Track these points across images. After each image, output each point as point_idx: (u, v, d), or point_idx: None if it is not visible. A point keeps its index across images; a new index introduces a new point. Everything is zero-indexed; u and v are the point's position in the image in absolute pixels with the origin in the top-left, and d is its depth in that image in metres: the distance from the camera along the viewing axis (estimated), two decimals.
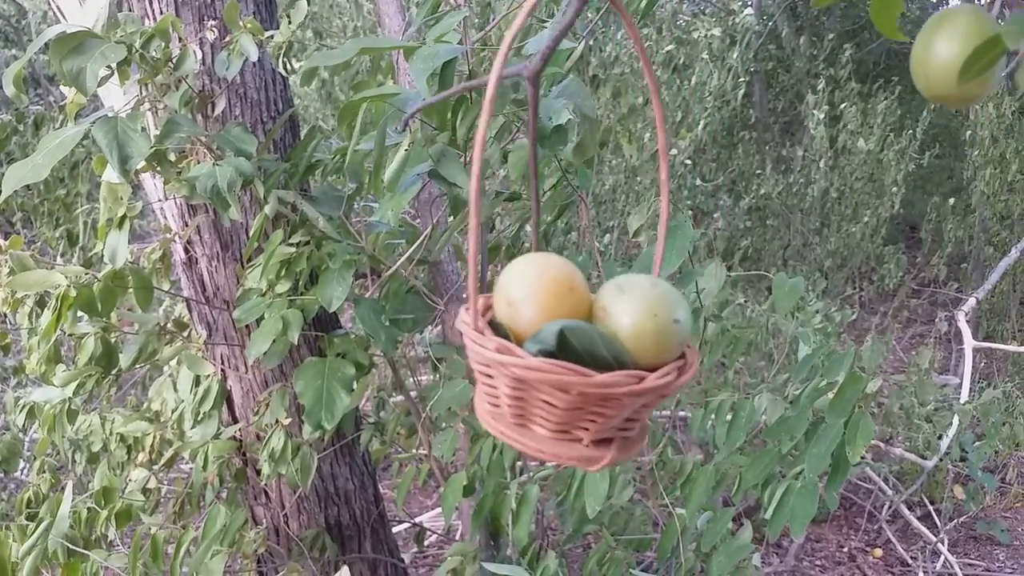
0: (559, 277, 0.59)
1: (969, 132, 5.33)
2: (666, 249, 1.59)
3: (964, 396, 4.29)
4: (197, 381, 1.61)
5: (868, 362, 1.85)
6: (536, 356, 0.56)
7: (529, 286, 0.59)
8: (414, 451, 1.93)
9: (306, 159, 1.60)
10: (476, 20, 2.75)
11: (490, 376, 0.61)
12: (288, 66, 1.46)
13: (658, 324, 0.58)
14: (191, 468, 1.75)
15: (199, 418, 1.60)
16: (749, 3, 6.53)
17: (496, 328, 0.60)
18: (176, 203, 1.69)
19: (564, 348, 0.56)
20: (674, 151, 4.06)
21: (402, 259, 1.61)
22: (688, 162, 4.20)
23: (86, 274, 1.43)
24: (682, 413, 3.42)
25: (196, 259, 1.73)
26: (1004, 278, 5.23)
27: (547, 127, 1.43)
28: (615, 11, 2.15)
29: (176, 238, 1.71)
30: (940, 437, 3.94)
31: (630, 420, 0.63)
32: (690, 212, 4.61)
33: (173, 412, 1.72)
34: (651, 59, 5.30)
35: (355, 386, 1.59)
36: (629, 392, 0.56)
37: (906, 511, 3.73)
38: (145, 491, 1.67)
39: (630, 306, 0.58)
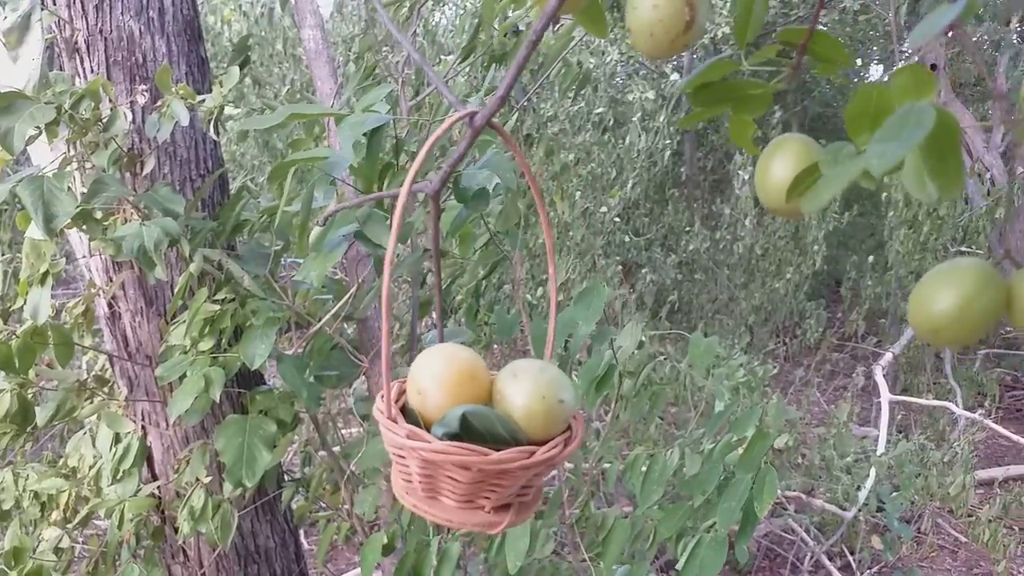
0: (462, 368, 0.69)
1: (885, 194, 5.62)
2: (581, 310, 1.67)
3: (881, 448, 4.46)
4: (117, 439, 1.60)
5: (774, 419, 1.94)
6: (442, 439, 0.66)
7: (436, 376, 0.69)
8: (338, 508, 1.94)
9: (234, 218, 1.63)
10: (413, 80, 2.83)
11: (403, 457, 0.68)
12: (219, 130, 1.50)
13: (546, 405, 0.68)
14: (107, 525, 1.72)
15: (118, 476, 1.59)
16: (680, 65, 6.81)
17: (408, 414, 0.69)
18: (101, 258, 1.70)
19: (467, 429, 0.66)
20: (604, 209, 4.19)
21: (327, 317, 1.64)
22: (618, 219, 4.33)
23: (3, 330, 1.42)
24: (608, 465, 3.47)
25: (120, 314, 1.73)
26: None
27: (470, 189, 1.51)
28: (548, 78, 2.24)
29: (100, 293, 1.71)
30: (859, 488, 4.08)
31: (525, 487, 0.72)
32: (620, 267, 4.73)
33: (91, 468, 1.70)
34: (586, 119, 5.49)
35: (277, 443, 1.60)
36: (521, 466, 0.66)
37: (827, 561, 3.84)
38: (57, 551, 1.63)
39: (522, 390, 0.69)
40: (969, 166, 5.95)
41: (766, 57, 0.63)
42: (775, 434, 1.86)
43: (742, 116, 0.69)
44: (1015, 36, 5.84)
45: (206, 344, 1.55)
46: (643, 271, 5.07)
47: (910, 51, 5.47)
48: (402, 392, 0.74)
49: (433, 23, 4.23)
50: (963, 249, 5.39)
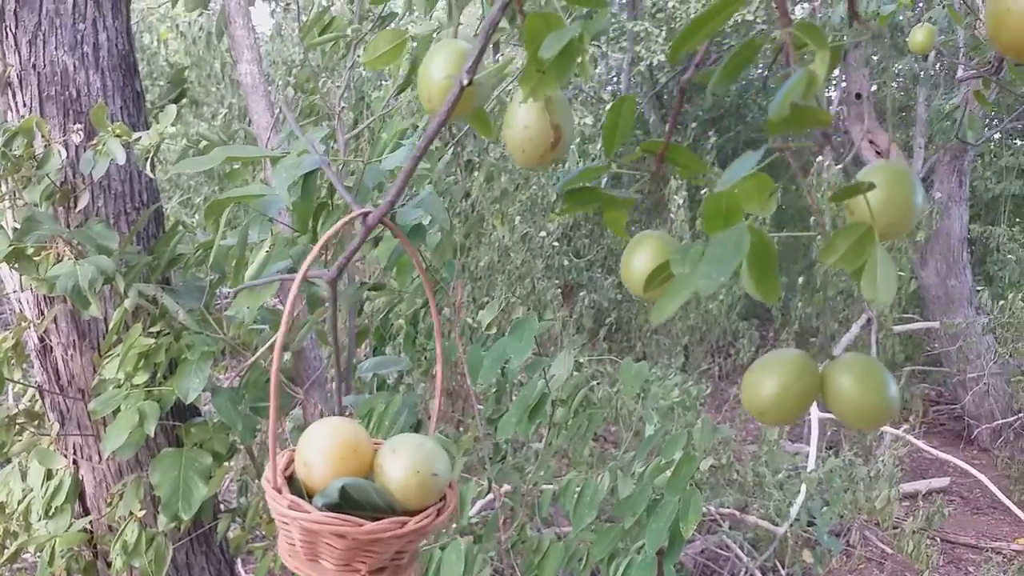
0: (346, 442, 0.76)
1: (813, 218, 5.83)
2: (513, 343, 1.73)
3: (811, 464, 4.61)
4: (49, 474, 1.59)
5: (701, 441, 2.02)
6: (322, 509, 0.73)
7: (321, 450, 0.76)
8: (275, 537, 1.95)
9: (169, 252, 1.65)
10: (350, 114, 2.87)
11: (286, 524, 0.74)
12: (155, 168, 1.52)
13: (420, 478, 0.76)
14: (37, 561, 1.70)
15: (49, 512, 1.58)
16: (618, 91, 6.97)
17: (294, 483, 0.75)
18: (33, 292, 1.69)
19: (346, 500, 0.73)
20: (543, 233, 4.27)
21: (262, 350, 1.66)
22: (556, 243, 4.42)
23: None
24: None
25: (51, 347, 1.72)
26: (847, 351, 5.67)
27: (408, 226, 1.56)
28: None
29: (31, 326, 1.70)
30: (790, 504, 4.21)
31: (400, 552, 0.80)
32: (559, 290, 4.81)
33: (20, 504, 1.68)
34: None
35: (213, 474, 1.62)
36: (394, 535, 0.74)
37: None
38: None
39: (398, 465, 0.76)
40: None
41: (631, 160, 0.70)
42: (701, 457, 1.94)
43: (611, 212, 0.78)
44: (933, 69, 6.14)
45: (140, 378, 1.56)
46: (582, 292, 5.16)
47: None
48: (291, 461, 0.79)
49: None
50: None
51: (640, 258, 0.77)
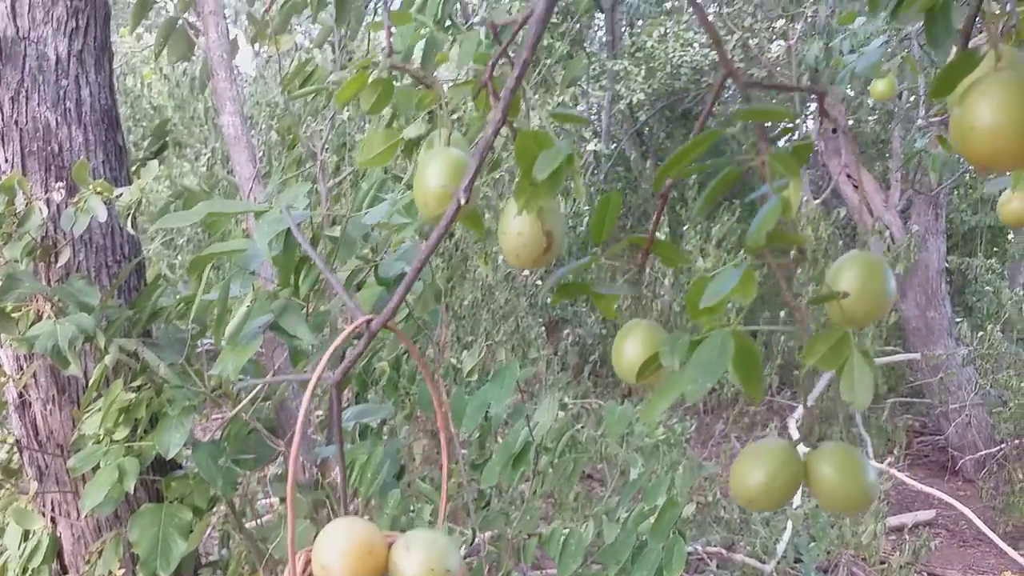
0: (362, 542, 0.79)
1: (793, 252, 5.89)
2: (494, 390, 1.73)
3: (797, 500, 4.61)
4: (26, 535, 1.57)
5: (681, 486, 2.02)
6: None
7: (338, 551, 0.79)
8: None
9: (151, 306, 1.65)
10: (334, 157, 2.89)
11: None
12: (136, 224, 1.52)
13: (434, 575, 0.79)
14: None
15: (27, 573, 1.55)
16: (599, 130, 7.06)
17: None
18: (12, 347, 1.68)
19: None
20: (526, 272, 4.29)
21: (243, 402, 1.66)
22: (540, 282, 4.44)
23: None
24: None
25: (30, 402, 1.71)
26: (831, 386, 5.71)
27: (390, 277, 1.58)
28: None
29: (11, 381, 1.69)
30: (776, 541, 4.20)
31: None
32: (543, 327, 4.83)
33: None
34: (508, 185, 5.63)
35: (193, 528, 1.60)
36: None
37: None
38: None
39: (413, 562, 0.79)
40: (870, 224, 6.31)
41: (617, 251, 0.73)
42: (684, 501, 1.94)
43: (601, 300, 0.81)
44: (906, 104, 6.26)
45: (120, 433, 1.55)
46: (567, 329, 5.17)
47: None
48: (308, 562, 0.82)
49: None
50: None
51: (631, 347, 0.80)
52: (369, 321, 0.76)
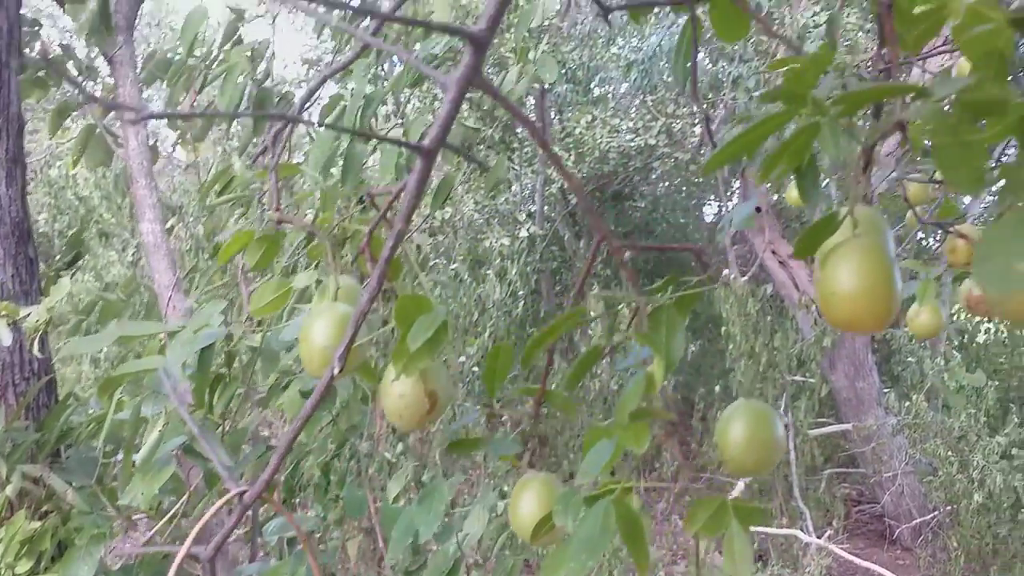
0: None
1: (724, 328, 6.01)
2: (422, 514, 1.69)
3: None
4: None
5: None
6: None
7: None
8: None
9: (59, 427, 1.58)
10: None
11: None
12: (44, 347, 1.47)
13: None
14: None
15: None
16: (533, 212, 7.18)
17: None
18: None
19: None
20: (463, 358, 4.27)
21: (159, 525, 1.58)
22: (476, 368, 4.42)
23: None
24: None
25: None
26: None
27: (310, 388, 1.55)
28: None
29: None
30: None
31: None
32: (487, 409, 4.78)
33: None
34: (452, 256, 5.66)
35: None
36: None
37: None
38: None
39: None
40: (796, 298, 6.50)
41: (513, 398, 0.73)
42: None
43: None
44: (824, 183, 6.53)
45: (23, 567, 1.46)
46: (504, 416, 5.14)
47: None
48: None
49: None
50: (797, 378, 5.79)
51: (526, 504, 0.80)
52: (242, 493, 0.73)
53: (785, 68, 1.21)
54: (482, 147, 6.37)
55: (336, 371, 0.60)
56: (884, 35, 0.56)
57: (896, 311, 0.59)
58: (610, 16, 0.76)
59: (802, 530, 5.10)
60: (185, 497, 1.68)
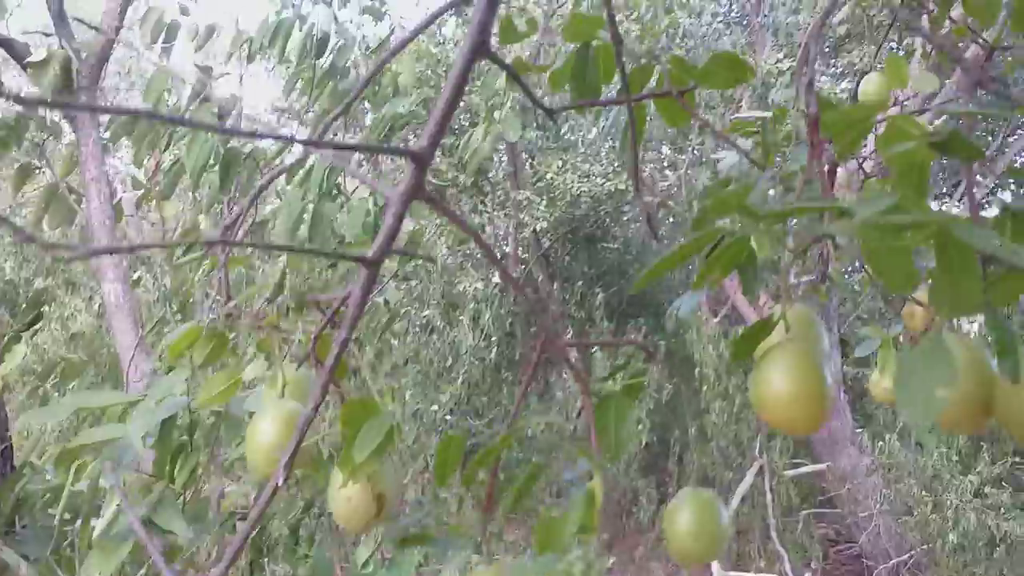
0: None
1: (698, 370, 6.04)
2: None
3: None
4: None
5: None
6: None
7: None
8: None
9: (14, 496, 1.54)
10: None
11: None
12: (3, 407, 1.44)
13: None
14: None
15: None
16: (507, 254, 7.20)
17: None
18: None
19: None
20: (435, 407, 4.24)
21: None
22: (449, 417, 4.39)
23: None
24: None
25: None
26: (744, 501, 5.75)
27: (241, 418, 1.53)
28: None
29: None
30: None
31: None
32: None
33: None
34: (426, 301, 5.65)
35: None
36: None
37: None
38: None
39: None
40: None
41: (471, 482, 0.73)
42: None
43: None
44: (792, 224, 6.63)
45: None
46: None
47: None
48: None
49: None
50: None
51: None
52: None
53: (743, 129, 1.23)
54: (454, 190, 6.41)
55: (280, 481, 0.59)
56: (812, 145, 0.58)
57: (830, 411, 0.60)
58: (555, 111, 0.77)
59: (780, 573, 5.07)
60: (143, 570, 1.64)
